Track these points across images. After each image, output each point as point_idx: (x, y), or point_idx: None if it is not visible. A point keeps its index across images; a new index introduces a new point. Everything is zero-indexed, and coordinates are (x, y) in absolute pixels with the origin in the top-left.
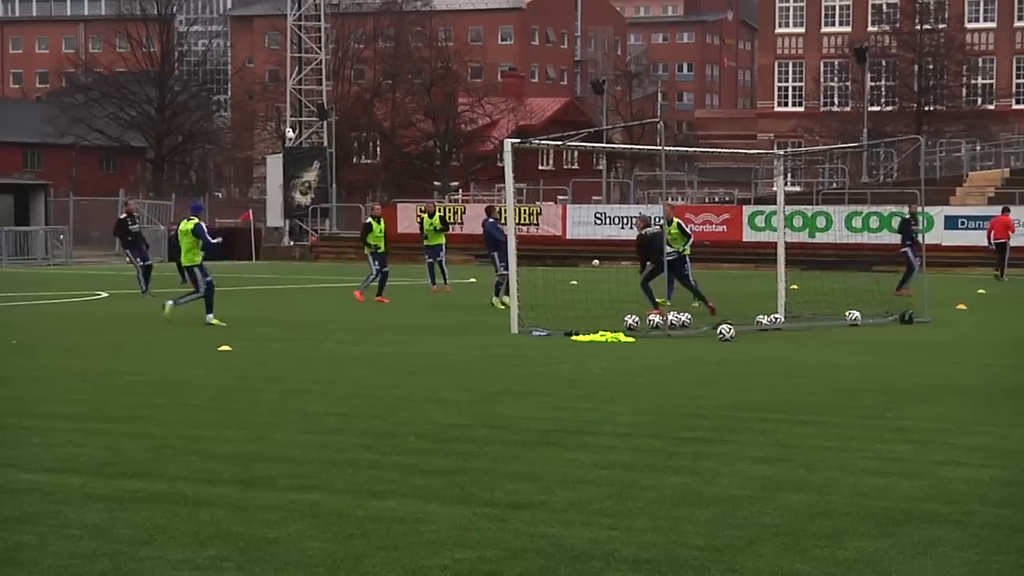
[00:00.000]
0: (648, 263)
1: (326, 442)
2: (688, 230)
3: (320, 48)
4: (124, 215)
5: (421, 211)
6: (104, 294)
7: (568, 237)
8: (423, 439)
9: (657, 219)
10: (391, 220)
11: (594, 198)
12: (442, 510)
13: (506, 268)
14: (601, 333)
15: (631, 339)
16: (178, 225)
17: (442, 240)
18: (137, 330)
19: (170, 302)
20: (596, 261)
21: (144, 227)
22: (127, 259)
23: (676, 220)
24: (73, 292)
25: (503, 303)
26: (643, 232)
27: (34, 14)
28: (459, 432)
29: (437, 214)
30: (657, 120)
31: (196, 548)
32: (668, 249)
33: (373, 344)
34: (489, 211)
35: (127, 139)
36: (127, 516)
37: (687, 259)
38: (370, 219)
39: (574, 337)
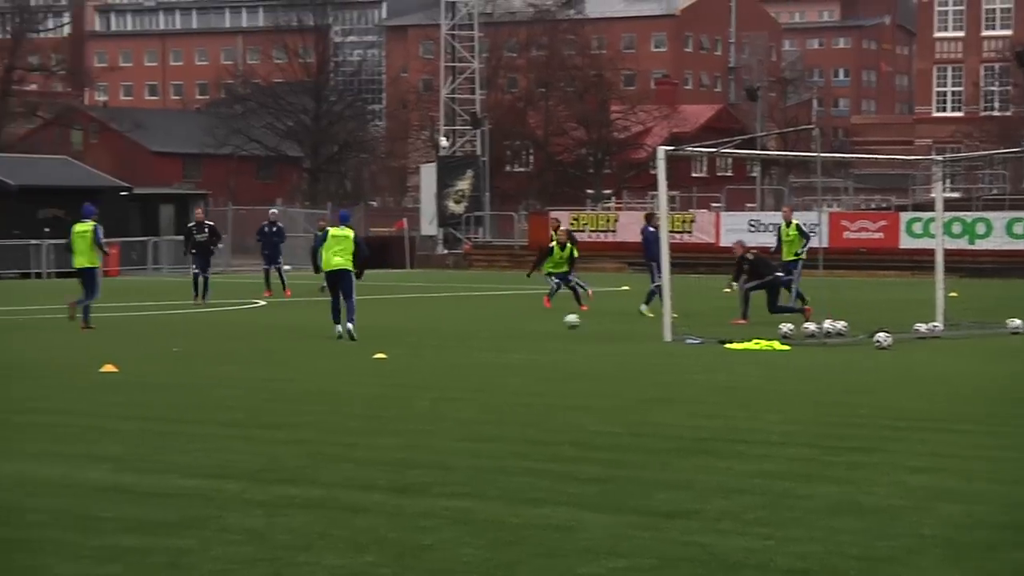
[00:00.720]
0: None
1: (479, 449)
2: (807, 231)
3: (473, 57)
4: (192, 223)
5: (555, 229)
6: (261, 302)
7: (721, 244)
8: (576, 447)
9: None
10: (543, 228)
11: (748, 205)
12: (595, 518)
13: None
14: (755, 341)
15: (786, 347)
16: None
17: (564, 269)
18: (292, 338)
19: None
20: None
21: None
22: (192, 268)
23: (795, 222)
24: (231, 301)
25: (652, 312)
26: (746, 256)
27: (194, 27)
28: (612, 440)
29: (570, 246)
30: (813, 126)
31: (353, 554)
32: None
33: (525, 352)
34: (649, 219)
35: (283, 149)
36: (285, 521)
37: (799, 264)
38: (554, 244)
39: (728, 345)
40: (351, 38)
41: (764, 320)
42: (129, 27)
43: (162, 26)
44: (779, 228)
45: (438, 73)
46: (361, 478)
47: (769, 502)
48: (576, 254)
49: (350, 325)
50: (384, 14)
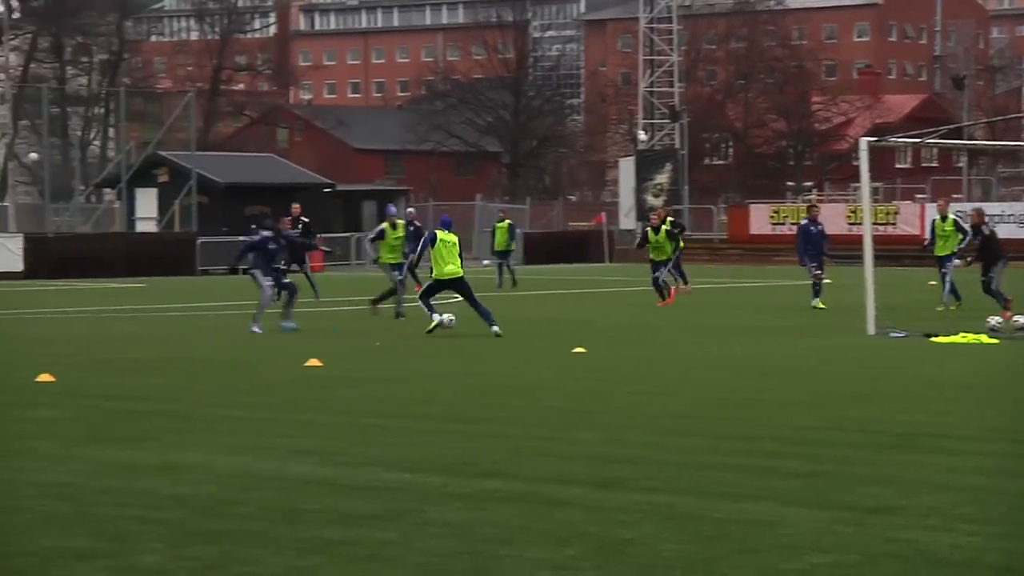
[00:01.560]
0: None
1: (679, 444)
2: (964, 226)
3: (672, 50)
4: (288, 218)
5: (654, 216)
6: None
7: (926, 236)
8: (776, 441)
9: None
10: (743, 221)
11: (954, 196)
12: (798, 513)
13: (816, 268)
14: (962, 334)
15: (994, 340)
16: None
17: (667, 255)
18: (483, 332)
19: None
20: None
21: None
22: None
23: (951, 216)
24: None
25: (823, 303)
26: (992, 231)
27: (395, 24)
28: (813, 435)
29: (663, 227)
30: (1022, 115)
31: (555, 548)
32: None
33: (720, 347)
34: (810, 211)
35: (483, 144)
36: (486, 515)
37: (952, 259)
38: (648, 228)
39: (934, 338)
40: (550, 33)
41: (970, 314)
42: (332, 26)
43: (364, 24)
44: (933, 222)
45: (636, 67)
46: (561, 472)
47: (975, 498)
48: (680, 244)
49: (495, 328)
50: (582, 8)
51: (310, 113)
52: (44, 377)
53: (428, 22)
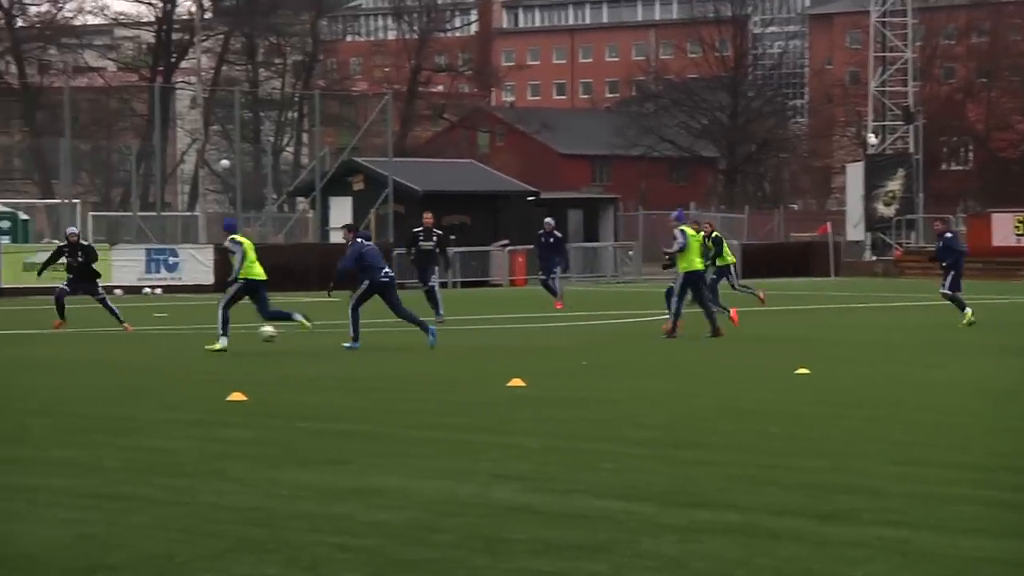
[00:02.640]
0: None
1: (913, 474)
2: None
3: (906, 46)
4: (419, 228)
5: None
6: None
7: None
8: (1014, 473)
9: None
10: (984, 232)
11: None
12: None
13: None
14: None
15: None
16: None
17: (730, 260)
18: (709, 351)
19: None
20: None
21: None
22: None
23: None
24: (640, 311)
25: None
26: None
27: (604, 21)
28: None
29: (702, 233)
30: None
31: None
32: None
33: (957, 368)
34: (945, 224)
35: (697, 149)
36: (702, 548)
37: None
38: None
39: None
40: (771, 28)
41: None
42: (537, 23)
43: (571, 21)
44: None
45: (866, 64)
46: (782, 502)
47: None
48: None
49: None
50: (807, 2)
51: (513, 116)
52: (236, 396)
53: (639, 18)
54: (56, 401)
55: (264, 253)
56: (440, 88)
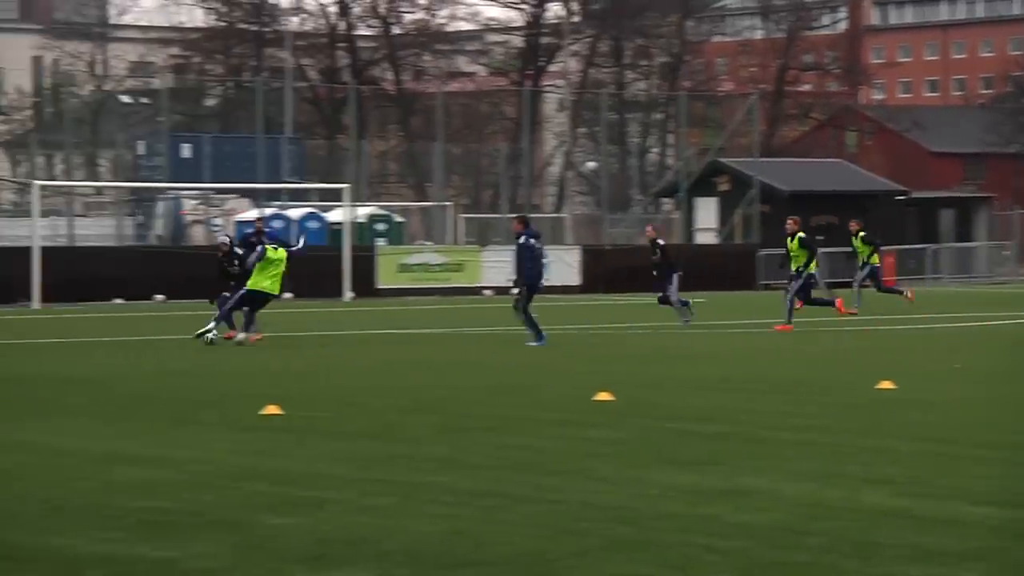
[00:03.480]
0: None
1: None
2: None
3: None
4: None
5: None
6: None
7: None
8: None
9: None
10: None
11: None
12: None
13: None
14: None
15: None
16: None
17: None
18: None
19: None
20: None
21: None
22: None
23: None
24: (1018, 312)
25: None
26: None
27: (979, 15)
28: None
29: (799, 234)
30: None
31: None
32: None
33: None
34: None
35: None
36: None
37: None
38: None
39: None
40: None
41: None
42: (908, 19)
43: (944, 17)
44: None
45: None
46: None
47: None
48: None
49: None
50: None
51: (882, 114)
52: (603, 396)
53: (1016, 11)
54: (430, 400)
55: (629, 254)
56: (807, 87)
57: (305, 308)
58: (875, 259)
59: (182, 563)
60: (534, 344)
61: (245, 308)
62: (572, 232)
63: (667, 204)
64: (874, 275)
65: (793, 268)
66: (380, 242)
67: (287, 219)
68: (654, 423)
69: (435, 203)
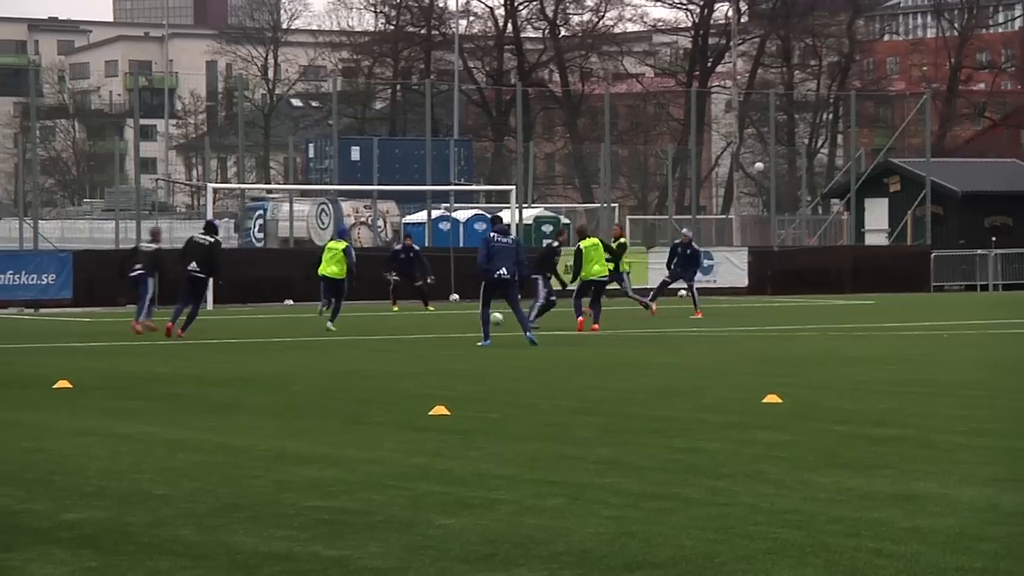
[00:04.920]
0: None
1: None
2: None
3: None
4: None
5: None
6: None
7: None
8: None
9: None
10: None
11: None
12: None
13: None
14: None
15: None
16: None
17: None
18: None
19: None
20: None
21: None
22: None
23: None
24: None
25: None
26: None
27: None
28: None
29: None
30: None
31: None
32: None
33: None
34: None
35: None
36: None
37: None
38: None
39: None
40: None
41: None
42: None
43: None
44: None
45: None
46: None
47: None
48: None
49: None
50: None
51: None
52: (771, 398)
53: None
54: (595, 401)
55: (797, 256)
56: (981, 86)
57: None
58: None
59: (354, 562)
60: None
61: None
62: (739, 233)
63: (836, 205)
64: None
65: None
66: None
67: (455, 221)
68: (823, 426)
69: (601, 204)
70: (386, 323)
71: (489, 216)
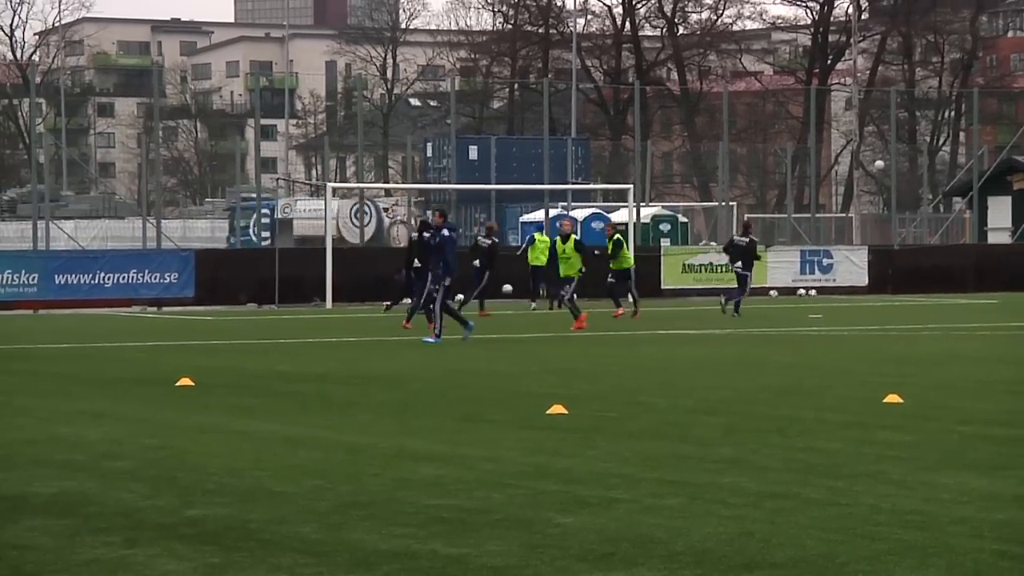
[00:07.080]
0: None
1: None
2: None
3: None
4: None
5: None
6: None
7: None
8: None
9: None
10: None
11: None
12: None
13: None
14: None
15: None
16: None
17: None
18: None
19: None
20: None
21: None
22: None
23: None
24: None
25: None
26: None
27: None
28: None
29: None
30: None
31: None
32: None
33: None
34: None
35: None
36: None
37: None
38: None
39: None
40: None
41: None
42: None
43: None
44: None
45: None
46: None
47: None
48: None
49: None
50: None
51: None
52: (892, 398)
53: None
54: (714, 400)
55: (918, 254)
56: None
57: (593, 308)
58: None
59: (472, 560)
60: (431, 340)
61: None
62: (859, 232)
63: (958, 203)
64: None
65: (567, 273)
66: (665, 242)
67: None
68: (945, 426)
69: (719, 203)
70: (496, 322)
71: (440, 210)
